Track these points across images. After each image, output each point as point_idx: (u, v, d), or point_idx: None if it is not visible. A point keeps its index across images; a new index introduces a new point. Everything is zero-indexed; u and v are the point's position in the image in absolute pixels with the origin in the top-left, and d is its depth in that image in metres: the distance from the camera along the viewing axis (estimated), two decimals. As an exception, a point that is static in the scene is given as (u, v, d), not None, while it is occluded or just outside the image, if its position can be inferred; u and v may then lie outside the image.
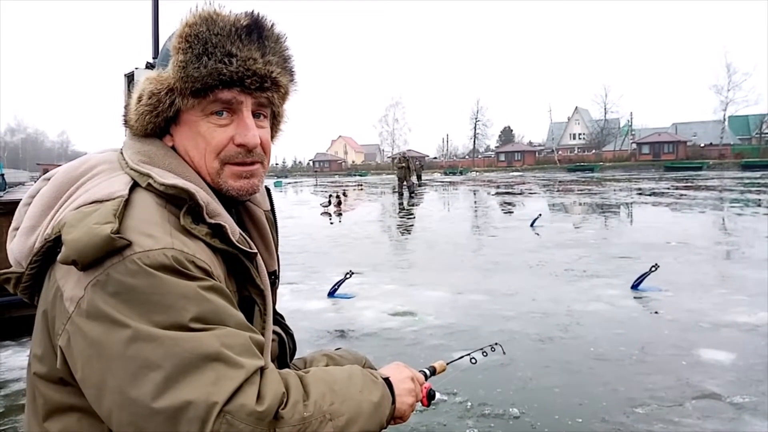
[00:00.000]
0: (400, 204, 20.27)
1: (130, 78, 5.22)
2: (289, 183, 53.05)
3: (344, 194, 20.42)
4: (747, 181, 30.59)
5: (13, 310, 4.34)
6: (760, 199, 17.70)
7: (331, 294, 5.66)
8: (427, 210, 18.04)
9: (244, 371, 0.90)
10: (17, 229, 1.07)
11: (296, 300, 5.50)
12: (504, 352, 1.69)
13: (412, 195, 23.97)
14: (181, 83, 1.04)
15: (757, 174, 39.74)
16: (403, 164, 25.03)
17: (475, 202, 20.94)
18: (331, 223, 14.08)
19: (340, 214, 16.27)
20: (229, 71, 1.04)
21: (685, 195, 20.67)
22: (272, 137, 1.21)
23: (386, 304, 5.27)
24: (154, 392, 0.86)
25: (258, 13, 1.09)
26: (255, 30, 1.07)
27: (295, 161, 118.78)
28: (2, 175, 34.15)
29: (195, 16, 1.05)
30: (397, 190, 25.65)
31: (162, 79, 1.07)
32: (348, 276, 5.65)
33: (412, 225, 13.32)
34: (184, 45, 1.04)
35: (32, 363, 1.02)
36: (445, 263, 7.64)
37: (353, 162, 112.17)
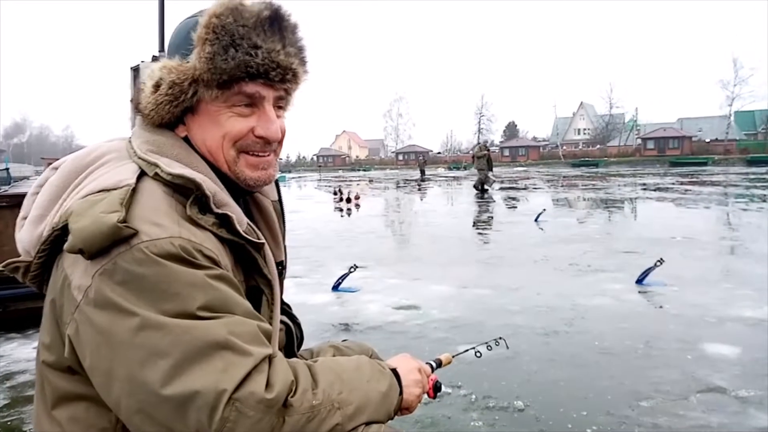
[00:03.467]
0: (479, 200, 18.13)
1: (136, 71, 5.21)
2: (293, 178, 53.08)
3: (340, 191, 19.58)
4: (753, 176, 30.45)
5: (19, 302, 4.36)
6: (765, 195, 17.63)
7: (336, 288, 5.66)
8: (431, 205, 18.03)
9: (252, 359, 0.91)
10: (26, 218, 1.07)
11: (301, 293, 5.50)
12: (507, 347, 1.71)
13: (485, 190, 20.91)
14: (209, 75, 1.04)
15: (763, 170, 39.49)
16: (485, 153, 21.54)
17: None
18: (342, 217, 14.08)
19: (350, 210, 16.21)
20: (255, 63, 1.04)
21: (690, 190, 20.59)
22: None
23: (391, 298, 5.27)
24: (162, 380, 0.86)
25: (277, 4, 1.09)
26: (276, 21, 1.06)
27: (299, 156, 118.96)
28: (7, 169, 34.29)
29: (222, 6, 1.04)
30: (476, 185, 21.87)
31: (185, 69, 1.05)
32: (352, 270, 5.66)
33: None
34: (212, 36, 1.03)
35: (41, 351, 1.03)
36: (450, 257, 7.64)
37: (357, 157, 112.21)
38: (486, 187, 21.24)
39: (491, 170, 21.72)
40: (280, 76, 1.08)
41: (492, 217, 13.37)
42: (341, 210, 15.99)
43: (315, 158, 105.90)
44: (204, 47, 1.04)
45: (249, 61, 1.03)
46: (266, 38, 1.05)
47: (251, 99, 1.08)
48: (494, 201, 17.90)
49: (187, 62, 1.06)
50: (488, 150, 21.92)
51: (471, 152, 26.34)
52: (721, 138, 70.72)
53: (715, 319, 4.44)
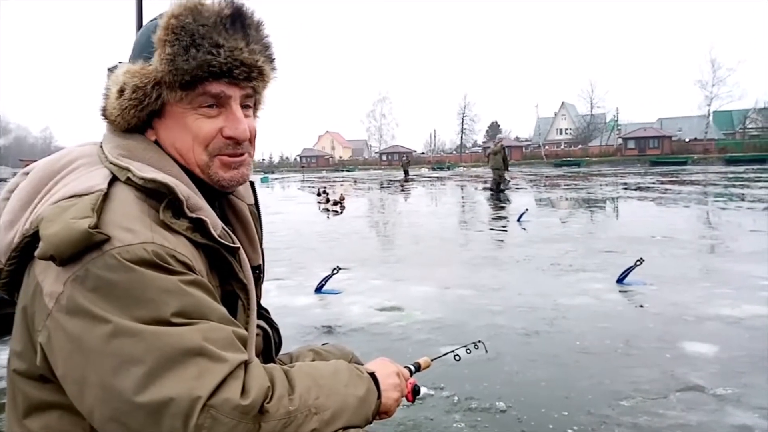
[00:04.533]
0: (494, 202, 17.16)
1: (113, 71, 5.15)
2: (276, 179, 52.88)
3: (324, 191, 19.40)
4: (731, 175, 30.91)
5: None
6: (743, 194, 17.90)
7: (318, 290, 5.64)
8: (415, 205, 18.06)
9: (227, 365, 0.90)
10: (-4, 224, 1.05)
11: (283, 296, 5.47)
12: (486, 351, 1.70)
13: (502, 191, 19.64)
14: (170, 76, 1.03)
15: (741, 168, 40.18)
16: (501, 150, 20.08)
17: (462, 197, 20.98)
18: (327, 219, 14.04)
19: (336, 211, 16.15)
20: (218, 62, 1.03)
21: (670, 189, 20.86)
22: None
23: (373, 299, 5.26)
24: (136, 387, 0.85)
25: (238, 2, 1.08)
26: (238, 19, 1.06)
27: (281, 157, 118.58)
28: (-16, 171, 33.70)
29: (180, 6, 1.03)
30: (491, 186, 20.54)
31: (147, 73, 1.04)
32: (335, 271, 5.64)
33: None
34: (171, 37, 1.02)
35: (12, 360, 1.01)
36: (433, 258, 7.65)
37: (340, 157, 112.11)
38: (502, 187, 19.99)
39: (507, 169, 20.25)
40: (245, 74, 1.06)
41: (475, 218, 13.43)
42: (327, 211, 15.93)
43: (298, 159, 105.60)
44: (164, 49, 1.03)
45: (211, 60, 1.02)
46: (228, 36, 1.04)
47: (217, 99, 1.07)
48: (483, 202, 17.97)
49: (150, 65, 1.05)
50: (504, 149, 20.37)
51: (488, 149, 24.70)
52: (700, 137, 71.69)
53: (694, 317, 4.50)
